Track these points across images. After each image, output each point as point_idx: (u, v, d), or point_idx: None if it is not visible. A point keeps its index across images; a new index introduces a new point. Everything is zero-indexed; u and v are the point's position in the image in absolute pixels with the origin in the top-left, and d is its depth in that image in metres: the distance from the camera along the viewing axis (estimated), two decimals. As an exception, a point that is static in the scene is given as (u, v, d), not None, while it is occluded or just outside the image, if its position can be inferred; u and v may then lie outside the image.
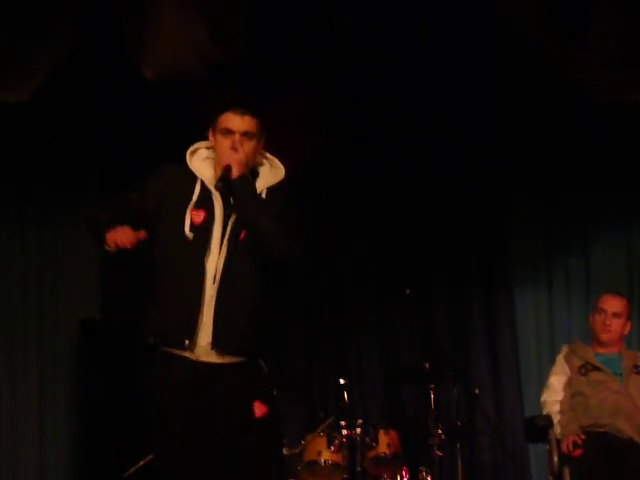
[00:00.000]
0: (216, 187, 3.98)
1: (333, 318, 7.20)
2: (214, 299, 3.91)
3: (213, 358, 3.92)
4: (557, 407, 5.64)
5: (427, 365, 6.20)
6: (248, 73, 6.79)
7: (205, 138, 4.14)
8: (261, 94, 7.00)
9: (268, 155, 4.18)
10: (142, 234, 3.94)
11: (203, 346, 3.91)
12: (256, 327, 3.98)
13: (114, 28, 5.97)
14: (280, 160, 4.20)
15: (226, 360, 3.93)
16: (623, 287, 6.78)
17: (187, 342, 3.89)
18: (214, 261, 3.94)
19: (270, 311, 6.74)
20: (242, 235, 3.96)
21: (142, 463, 5.76)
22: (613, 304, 5.80)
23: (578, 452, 5.44)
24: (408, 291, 6.28)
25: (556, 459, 5.60)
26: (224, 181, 3.95)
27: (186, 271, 3.93)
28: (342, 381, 6.24)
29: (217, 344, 3.90)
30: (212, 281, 3.92)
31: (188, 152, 4.11)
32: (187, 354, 3.91)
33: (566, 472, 5.51)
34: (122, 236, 3.88)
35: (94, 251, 6.94)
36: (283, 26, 6.50)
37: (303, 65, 6.86)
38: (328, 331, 7.18)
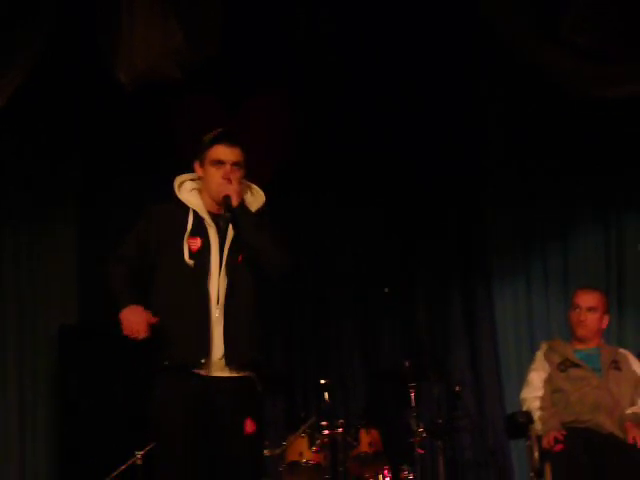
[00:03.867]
0: (224, 217, 4.27)
1: (313, 318, 7.20)
2: (221, 318, 4.20)
3: (225, 372, 4.22)
4: (537, 403, 5.65)
5: (407, 363, 6.21)
6: (223, 74, 6.81)
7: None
8: (236, 95, 7.08)
9: (247, 182, 4.45)
10: (153, 320, 4.17)
11: (215, 362, 4.20)
12: (260, 339, 4.31)
13: (88, 31, 5.97)
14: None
15: (234, 374, 4.23)
16: (601, 282, 6.81)
17: (204, 360, 4.18)
18: (215, 283, 4.24)
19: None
20: (240, 258, 4.27)
21: (123, 468, 5.75)
22: (587, 299, 5.82)
23: (559, 447, 5.44)
24: (386, 290, 6.29)
25: (537, 455, 5.61)
26: (230, 211, 4.25)
27: (191, 295, 4.23)
28: (323, 381, 6.25)
29: (229, 358, 4.20)
30: (216, 302, 4.22)
31: (176, 185, 4.41)
32: (201, 371, 4.20)
33: (547, 468, 5.51)
34: (134, 327, 4.12)
35: (71, 256, 6.99)
36: (258, 26, 6.51)
37: (279, 65, 6.87)
38: (308, 331, 7.18)
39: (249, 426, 4.19)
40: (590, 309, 5.79)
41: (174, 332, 4.20)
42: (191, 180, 4.43)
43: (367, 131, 7.15)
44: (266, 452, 5.98)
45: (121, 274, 4.30)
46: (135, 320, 4.13)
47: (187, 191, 4.40)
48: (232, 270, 4.25)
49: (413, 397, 6.15)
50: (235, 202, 4.25)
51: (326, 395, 6.20)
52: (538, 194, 7.16)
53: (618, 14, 5.77)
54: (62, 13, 5.88)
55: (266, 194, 6.57)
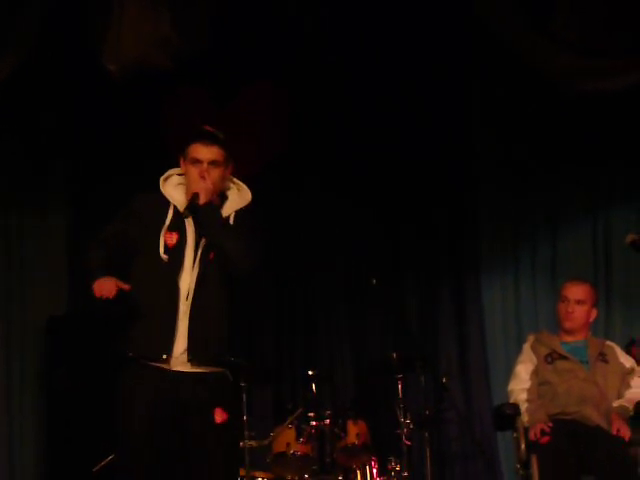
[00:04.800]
0: (183, 214, 4.34)
1: (301, 309, 7.21)
2: (188, 314, 4.26)
3: (187, 368, 4.27)
4: (524, 395, 5.66)
5: (395, 355, 6.21)
6: (213, 65, 6.80)
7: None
8: (226, 86, 7.08)
9: (236, 180, 4.54)
10: (125, 287, 4.25)
11: (177, 357, 4.26)
12: (228, 339, 4.36)
13: (77, 21, 5.95)
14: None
15: (198, 370, 4.28)
16: (589, 275, 6.80)
17: (165, 356, 4.24)
18: (187, 279, 4.30)
19: (239, 304, 6.88)
20: (212, 255, 4.32)
21: (110, 458, 5.74)
22: (575, 291, 5.82)
23: (545, 439, 5.45)
24: (374, 281, 6.29)
25: (524, 447, 5.62)
26: (191, 208, 4.31)
27: (161, 290, 4.29)
28: (310, 372, 6.26)
29: (192, 354, 4.25)
30: (185, 298, 4.28)
31: (162, 179, 4.48)
32: (163, 365, 4.26)
33: (534, 459, 5.52)
34: (104, 289, 4.20)
35: (61, 248, 6.98)
36: (249, 16, 6.50)
37: (269, 56, 6.86)
38: (296, 322, 7.18)
39: (219, 416, 4.24)
40: (578, 302, 5.80)
41: (141, 324, 4.28)
42: (178, 175, 4.49)
43: (353, 121, 7.13)
44: (253, 443, 5.99)
45: (98, 256, 4.37)
46: (105, 282, 4.21)
47: (172, 185, 4.46)
48: (203, 267, 4.31)
49: (400, 388, 6.16)
50: (202, 200, 4.31)
51: (313, 386, 6.21)
52: (527, 187, 7.16)
53: (607, 8, 5.77)
54: (51, 3, 5.87)
55: (261, 189, 6.62)
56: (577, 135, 6.95)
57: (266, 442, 6.07)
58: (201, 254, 4.32)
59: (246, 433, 5.97)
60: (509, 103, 7.03)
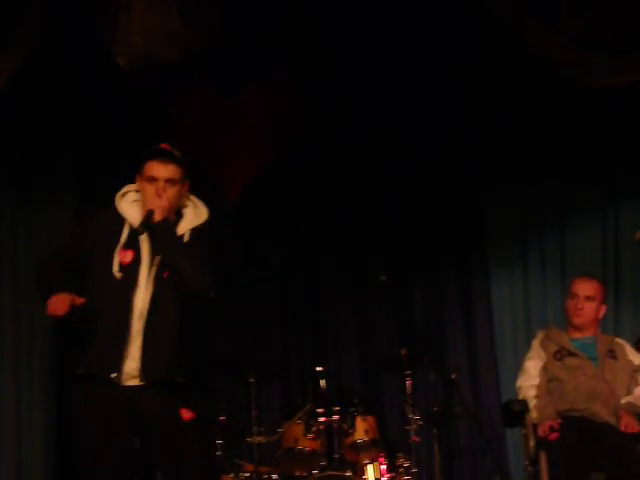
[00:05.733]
0: (137, 231, 4.30)
1: (309, 305, 7.19)
2: (141, 333, 4.24)
3: (139, 382, 4.25)
4: (533, 392, 5.67)
5: (404, 351, 6.21)
6: (222, 58, 6.80)
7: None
8: (235, 79, 7.07)
9: (193, 198, 4.52)
10: (78, 301, 4.21)
11: (129, 373, 4.23)
12: (182, 358, 4.32)
13: (84, 14, 5.95)
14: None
15: (152, 382, 4.25)
16: (598, 271, 6.79)
17: (114, 375, 4.22)
18: (141, 298, 4.27)
19: (247, 300, 6.88)
20: (166, 273, 4.29)
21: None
22: (585, 287, 5.82)
23: (554, 436, 5.45)
24: (383, 277, 6.28)
25: (532, 443, 5.62)
26: (145, 225, 4.28)
27: (114, 307, 4.26)
28: (319, 368, 6.26)
29: (143, 372, 4.24)
30: (139, 316, 4.25)
31: (118, 195, 4.46)
32: (114, 380, 4.23)
33: (542, 456, 5.52)
34: (55, 306, 4.17)
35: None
36: (256, 10, 6.49)
37: (277, 50, 6.86)
38: (305, 318, 7.18)
39: (186, 413, 4.23)
40: (588, 298, 5.80)
41: (93, 341, 4.25)
42: (135, 192, 4.48)
43: (359, 116, 7.10)
44: (262, 439, 6.00)
45: (54, 271, 4.36)
46: (57, 300, 4.17)
47: (128, 202, 4.45)
48: (157, 285, 4.28)
49: (409, 384, 6.16)
50: (157, 217, 4.29)
51: (322, 382, 6.21)
52: (535, 179, 7.14)
53: (618, 3, 5.76)
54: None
55: (268, 187, 6.59)
56: (586, 128, 6.91)
57: (275, 438, 6.08)
58: (155, 272, 4.30)
59: (254, 429, 5.99)
60: (517, 94, 6.98)
